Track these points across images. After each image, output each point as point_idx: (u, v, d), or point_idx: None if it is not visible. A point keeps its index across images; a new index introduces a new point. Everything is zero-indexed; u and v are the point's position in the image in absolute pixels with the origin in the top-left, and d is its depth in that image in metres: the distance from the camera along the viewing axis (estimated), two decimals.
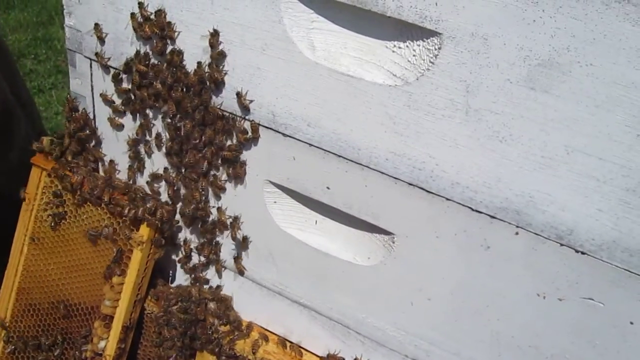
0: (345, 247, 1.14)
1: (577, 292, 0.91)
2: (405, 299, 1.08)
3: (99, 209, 1.28)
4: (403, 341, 1.13)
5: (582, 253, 0.89)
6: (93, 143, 1.32)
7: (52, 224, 1.33)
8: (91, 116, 1.29)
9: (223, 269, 1.28)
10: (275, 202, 1.16)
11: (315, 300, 1.20)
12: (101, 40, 1.18)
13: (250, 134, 1.10)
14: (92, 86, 1.26)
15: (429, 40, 0.88)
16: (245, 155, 1.13)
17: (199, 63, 1.08)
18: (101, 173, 1.33)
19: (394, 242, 1.05)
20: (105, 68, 1.21)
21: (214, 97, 1.10)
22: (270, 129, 1.07)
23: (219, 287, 1.31)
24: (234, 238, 1.22)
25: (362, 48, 0.96)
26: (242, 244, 1.22)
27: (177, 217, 1.27)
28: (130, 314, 1.30)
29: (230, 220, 1.21)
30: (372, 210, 1.04)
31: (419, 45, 0.90)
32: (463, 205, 0.95)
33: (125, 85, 1.20)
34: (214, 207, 1.22)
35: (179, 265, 1.35)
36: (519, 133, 0.85)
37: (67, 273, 1.35)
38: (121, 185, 1.28)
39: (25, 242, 1.37)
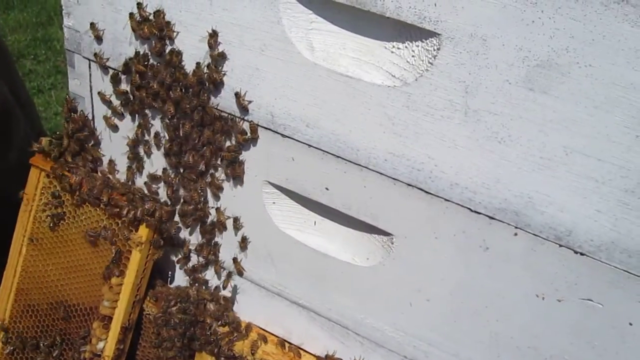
0: (344, 247, 1.14)
1: (576, 293, 0.91)
2: (404, 300, 1.08)
3: (97, 209, 1.28)
4: (402, 342, 1.13)
5: (581, 254, 0.89)
6: (92, 143, 1.32)
7: (51, 225, 1.32)
8: (90, 117, 1.29)
9: (222, 269, 1.28)
10: (274, 202, 1.16)
11: (314, 301, 1.20)
12: (98, 39, 1.17)
13: (249, 134, 1.09)
14: (91, 87, 1.26)
15: (427, 40, 0.87)
16: (244, 156, 1.13)
17: (198, 64, 1.08)
18: (100, 174, 1.32)
19: (392, 243, 1.05)
20: (104, 68, 1.21)
21: (212, 97, 1.10)
22: (269, 129, 1.07)
23: (217, 288, 1.31)
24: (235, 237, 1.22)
25: (361, 49, 0.96)
26: (241, 245, 1.22)
27: (176, 217, 1.27)
28: (129, 314, 1.30)
29: (230, 220, 1.21)
30: (371, 211, 1.04)
31: (417, 46, 0.90)
32: (462, 206, 0.95)
33: (124, 86, 1.20)
34: (212, 207, 1.22)
35: (177, 266, 1.35)
36: (518, 134, 0.85)
37: (65, 274, 1.35)
38: (120, 186, 1.28)
39: (24, 242, 1.37)
